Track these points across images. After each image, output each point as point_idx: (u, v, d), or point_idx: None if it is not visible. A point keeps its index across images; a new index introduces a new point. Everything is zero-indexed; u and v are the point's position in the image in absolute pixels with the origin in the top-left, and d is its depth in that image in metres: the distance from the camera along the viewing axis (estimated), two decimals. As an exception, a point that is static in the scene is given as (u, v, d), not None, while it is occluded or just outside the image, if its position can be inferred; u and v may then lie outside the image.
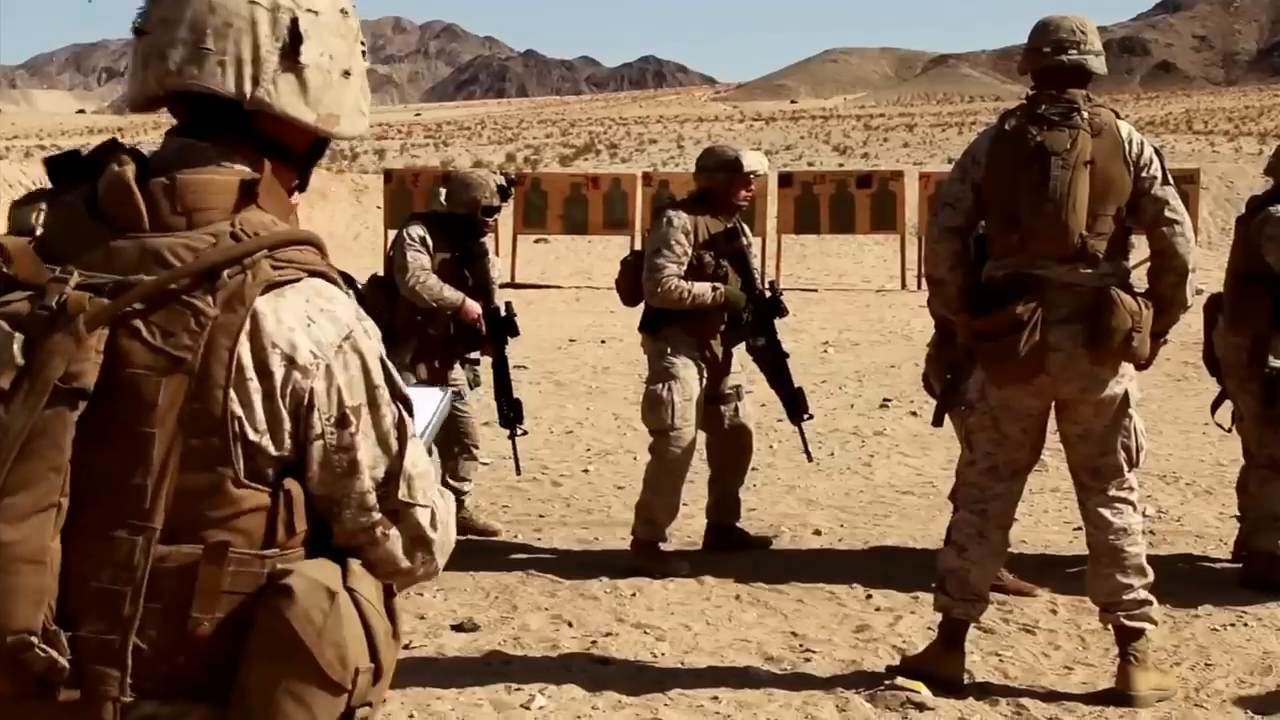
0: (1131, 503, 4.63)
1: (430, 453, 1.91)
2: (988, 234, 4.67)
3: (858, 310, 17.91)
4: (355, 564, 1.74)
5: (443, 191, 6.72)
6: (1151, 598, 4.60)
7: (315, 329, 1.73)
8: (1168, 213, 4.49)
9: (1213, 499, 7.51)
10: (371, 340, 1.80)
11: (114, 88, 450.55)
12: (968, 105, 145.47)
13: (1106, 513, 4.58)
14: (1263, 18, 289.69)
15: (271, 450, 1.70)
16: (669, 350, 6.14)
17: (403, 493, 1.78)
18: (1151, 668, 4.61)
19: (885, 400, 10.88)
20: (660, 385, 6.10)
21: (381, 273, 6.84)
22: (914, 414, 10.25)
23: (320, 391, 1.72)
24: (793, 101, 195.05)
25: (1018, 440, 4.64)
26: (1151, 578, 4.62)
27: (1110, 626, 4.66)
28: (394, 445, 1.78)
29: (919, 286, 21.17)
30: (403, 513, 1.79)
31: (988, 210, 4.60)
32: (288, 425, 1.71)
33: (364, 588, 1.72)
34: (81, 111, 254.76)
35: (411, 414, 1.83)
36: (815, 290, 20.39)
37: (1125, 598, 4.56)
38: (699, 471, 6.61)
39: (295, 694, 1.67)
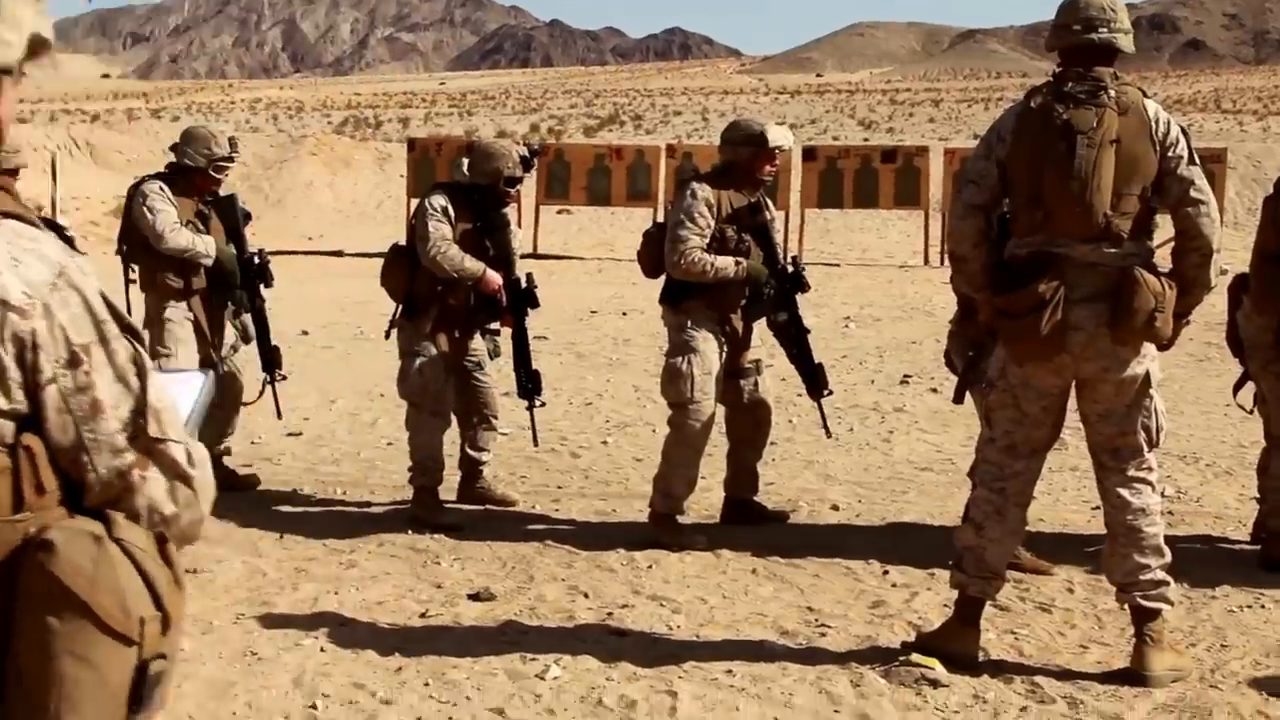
0: (1151, 483, 4.61)
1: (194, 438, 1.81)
2: (1012, 211, 4.65)
3: (880, 286, 17.86)
4: (118, 515, 1.65)
5: (465, 162, 6.70)
6: (1168, 579, 4.59)
7: (24, 269, 1.62)
8: (1193, 193, 4.45)
9: (1233, 480, 7.48)
10: (88, 276, 1.69)
11: (139, 52, 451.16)
12: (994, 81, 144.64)
13: (1125, 492, 4.57)
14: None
15: (2, 404, 1.61)
16: (689, 323, 6.13)
17: (153, 429, 1.69)
18: (1167, 648, 4.59)
19: (906, 376, 10.85)
20: (680, 358, 6.10)
21: (404, 242, 6.83)
22: (934, 390, 10.23)
23: (43, 332, 1.62)
24: (818, 75, 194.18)
25: (1037, 418, 4.63)
26: (1169, 558, 4.61)
27: (1126, 606, 4.66)
28: (133, 380, 1.69)
29: (942, 263, 21.09)
30: (156, 450, 1.70)
31: (1012, 187, 4.57)
32: (14, 374, 1.61)
33: (133, 535, 1.64)
34: (106, 76, 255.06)
35: (143, 345, 1.73)
36: (838, 265, 20.34)
37: (1142, 578, 4.55)
38: (717, 445, 6.61)
39: (78, 654, 1.57)
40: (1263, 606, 5.31)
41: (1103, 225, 4.39)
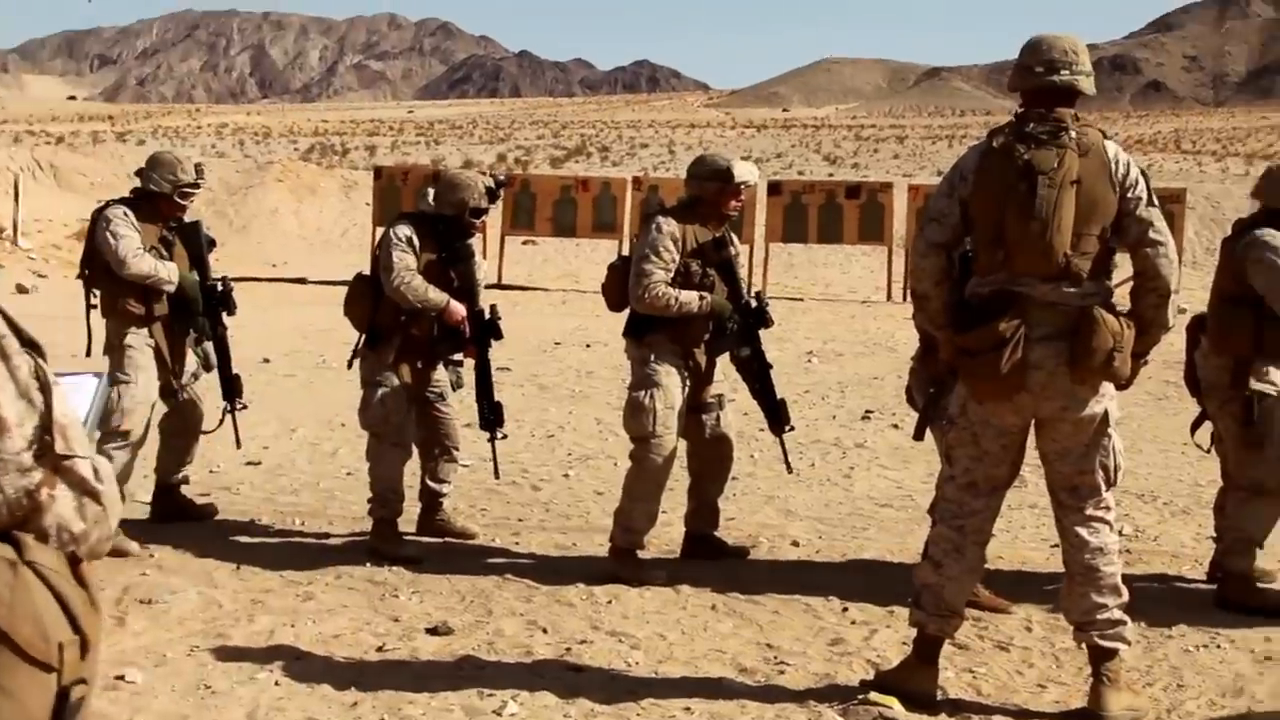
0: (1108, 522, 4.63)
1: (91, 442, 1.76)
2: (973, 250, 4.68)
3: (843, 321, 17.92)
4: (26, 537, 1.61)
5: (431, 192, 6.69)
6: (1126, 618, 4.61)
7: None
8: (1152, 234, 4.49)
9: (1190, 519, 7.52)
10: None
11: (106, 75, 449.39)
12: (959, 119, 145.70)
13: (1083, 531, 4.59)
14: (1253, 40, 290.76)
15: None
16: (653, 357, 6.12)
17: (60, 445, 1.65)
18: (1124, 688, 4.61)
19: (867, 412, 10.88)
20: (643, 392, 6.09)
21: (368, 271, 6.81)
22: (896, 426, 10.26)
23: None
24: (785, 110, 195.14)
25: (997, 456, 4.65)
26: (1126, 598, 4.63)
27: (1084, 645, 4.67)
28: (37, 396, 1.65)
29: (905, 299, 21.18)
30: (64, 467, 1.66)
31: (974, 226, 4.60)
32: None
33: (44, 558, 1.60)
34: (73, 98, 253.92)
35: (45, 359, 1.69)
36: (801, 300, 20.40)
37: (1099, 617, 4.57)
38: (678, 479, 6.60)
39: None
40: (1219, 646, 5.33)
41: (1063, 265, 4.42)
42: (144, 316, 6.64)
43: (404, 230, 6.55)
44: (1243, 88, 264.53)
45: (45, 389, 1.65)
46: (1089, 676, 4.65)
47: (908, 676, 4.67)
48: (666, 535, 6.67)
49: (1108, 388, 4.56)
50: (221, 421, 7.09)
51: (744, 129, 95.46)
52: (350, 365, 6.80)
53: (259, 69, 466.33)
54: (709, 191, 6.21)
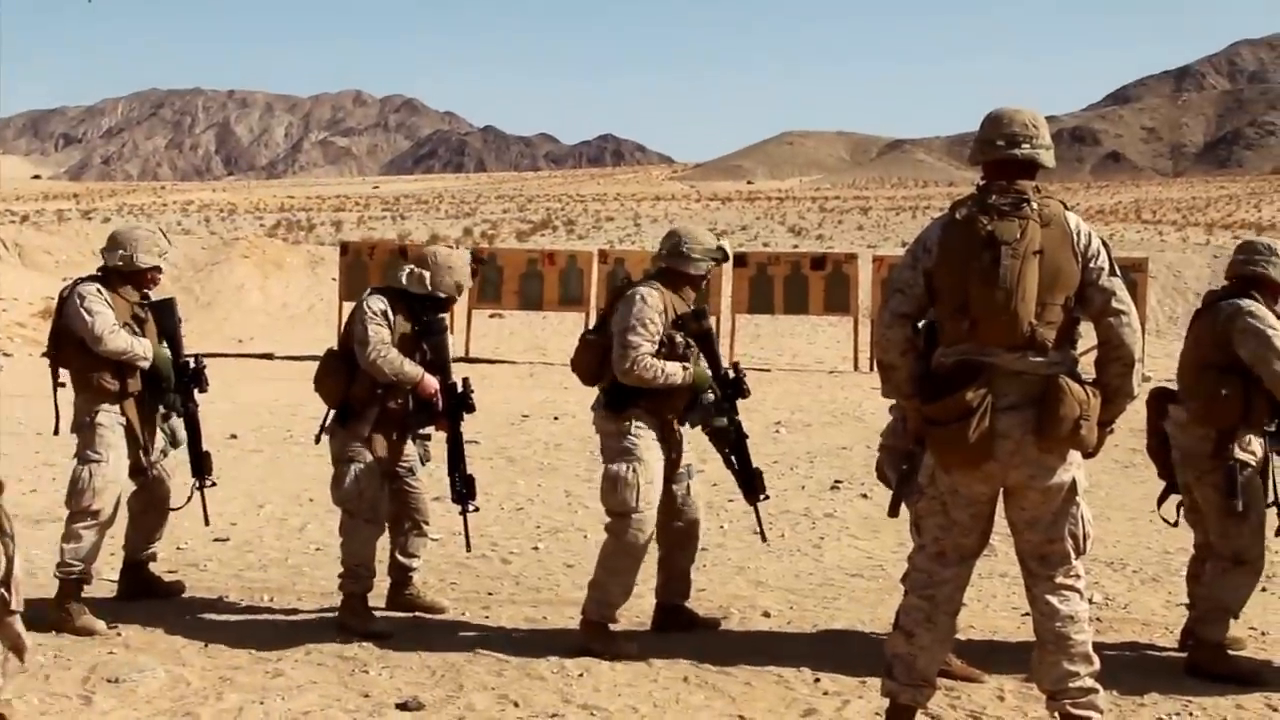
0: (1079, 590, 4.65)
1: None
2: (938, 320, 4.72)
3: (810, 391, 17.98)
4: None
5: (408, 269, 6.67)
6: (1098, 686, 4.62)
7: None
8: (1114, 303, 4.55)
9: (1159, 586, 7.55)
10: None
11: (70, 154, 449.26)
12: (921, 190, 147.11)
13: (1054, 600, 4.61)
14: (1209, 111, 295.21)
15: None
16: (632, 430, 6.12)
17: (14, 602, 1.60)
18: None
19: (836, 482, 10.89)
20: (623, 466, 6.07)
21: (337, 345, 6.79)
22: (865, 496, 10.27)
23: None
24: (749, 182, 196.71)
25: (966, 525, 4.67)
26: (1098, 666, 4.64)
27: (1057, 715, 4.67)
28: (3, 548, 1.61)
29: (871, 368, 21.27)
30: (6, 622, 1.61)
31: (938, 297, 4.65)
32: None
33: None
34: (37, 177, 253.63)
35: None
36: (768, 370, 20.47)
37: (1071, 685, 4.58)
38: (649, 551, 6.59)
39: None
40: (1191, 714, 5.34)
41: (1028, 334, 4.47)
42: (118, 393, 6.59)
43: (378, 304, 6.55)
44: (1200, 158, 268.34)
45: (9, 538, 1.64)
46: (1062, 745, 4.65)
47: None
48: (638, 607, 6.64)
49: (1075, 456, 4.60)
50: (190, 498, 7.04)
51: (709, 201, 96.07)
52: (318, 440, 6.77)
53: (224, 146, 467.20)
54: (701, 269, 6.28)
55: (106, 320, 6.49)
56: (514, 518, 9.28)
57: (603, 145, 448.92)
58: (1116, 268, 4.62)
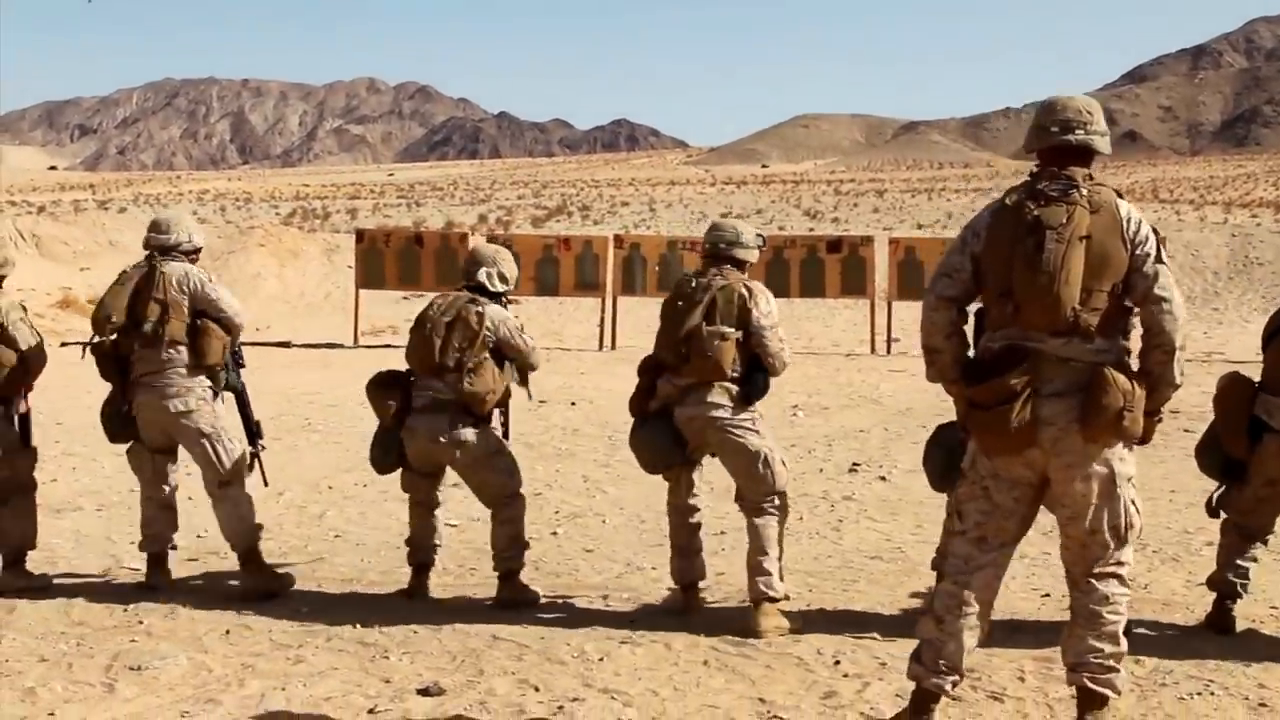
0: (1120, 576, 4.61)
1: None
2: (984, 305, 4.72)
3: (827, 374, 17.96)
4: None
5: (489, 271, 6.85)
6: (1120, 668, 4.60)
7: None
8: (1157, 290, 4.52)
9: (1179, 566, 7.53)
10: None
11: (86, 144, 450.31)
12: (937, 171, 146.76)
13: (1093, 581, 4.60)
14: (1226, 90, 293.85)
15: None
16: (759, 417, 6.37)
17: None
18: None
19: (854, 465, 10.89)
20: (768, 448, 6.32)
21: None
22: (883, 479, 10.27)
23: None
24: (764, 166, 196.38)
25: (1008, 509, 4.65)
26: (1124, 649, 4.62)
27: (1074, 688, 4.66)
28: None
29: (888, 351, 21.29)
30: None
31: (984, 281, 4.65)
32: None
33: None
34: (53, 168, 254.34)
35: None
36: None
37: (1093, 659, 4.57)
38: (667, 532, 6.62)
39: None
40: (1212, 693, 5.32)
41: (1071, 319, 4.45)
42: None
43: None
44: (1217, 136, 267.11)
45: None
46: (1076, 720, 4.65)
47: None
48: (656, 591, 6.67)
49: (1120, 447, 4.55)
50: (251, 465, 7.08)
51: (724, 185, 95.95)
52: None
53: (239, 135, 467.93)
54: (754, 258, 6.53)
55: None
56: (532, 503, 9.25)
57: (617, 130, 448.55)
58: (1164, 256, 4.60)
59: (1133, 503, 4.59)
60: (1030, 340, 4.51)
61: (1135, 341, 4.63)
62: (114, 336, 6.82)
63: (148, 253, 6.92)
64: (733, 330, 6.24)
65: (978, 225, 4.71)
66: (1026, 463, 4.55)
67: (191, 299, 6.76)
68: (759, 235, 6.62)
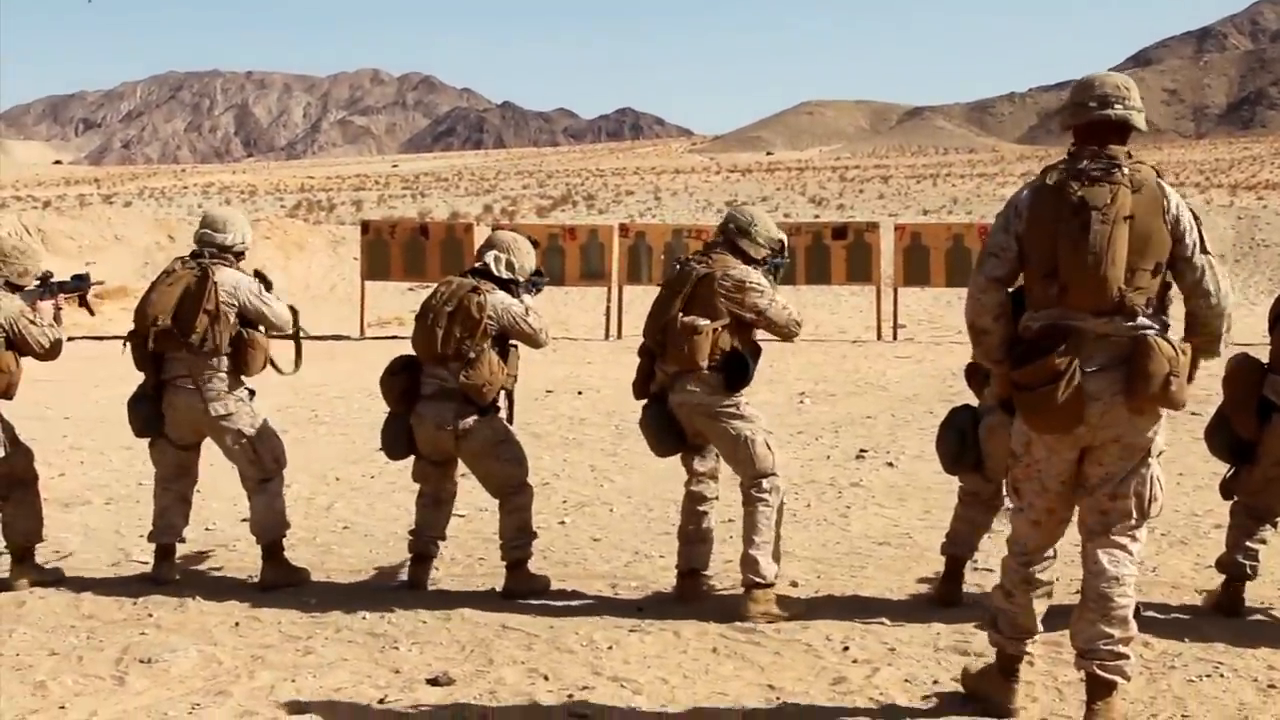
0: (1131, 552, 4.66)
1: None
2: (1026, 285, 4.74)
3: (834, 361, 17.95)
4: None
5: (498, 256, 6.78)
6: (1129, 653, 4.61)
7: None
8: (1205, 283, 4.59)
9: (1188, 549, 7.52)
10: None
11: (91, 138, 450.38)
12: (942, 157, 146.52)
13: (1104, 558, 4.63)
14: (1231, 72, 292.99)
15: None
16: (744, 401, 6.32)
17: None
18: (1116, 714, 4.60)
19: (861, 451, 10.88)
20: (756, 430, 6.28)
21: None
22: (890, 465, 10.27)
23: None
24: (769, 153, 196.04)
25: (1056, 491, 4.73)
26: (1134, 633, 4.63)
27: (1083, 673, 4.67)
28: None
29: (895, 337, 21.26)
30: None
31: (1028, 261, 4.67)
32: None
33: None
34: (58, 162, 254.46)
35: None
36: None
37: (1103, 646, 4.59)
38: (674, 521, 6.62)
39: None
40: (1222, 675, 5.32)
41: (1117, 299, 4.49)
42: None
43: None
44: (1223, 119, 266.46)
45: None
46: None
47: (990, 688, 4.88)
48: (665, 579, 6.68)
49: (1160, 419, 4.61)
50: (298, 357, 7.44)
51: (729, 173, 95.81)
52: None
53: (243, 128, 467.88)
54: (758, 255, 6.46)
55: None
56: (540, 492, 9.25)
57: (621, 119, 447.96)
58: (1207, 244, 4.63)
59: (1158, 479, 4.67)
60: (1072, 319, 4.55)
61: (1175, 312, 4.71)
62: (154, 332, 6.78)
63: (197, 250, 6.89)
64: (707, 322, 6.20)
65: (1020, 205, 4.71)
66: (1073, 441, 4.61)
67: (241, 310, 6.77)
68: (779, 240, 6.54)
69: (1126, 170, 4.54)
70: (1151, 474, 4.64)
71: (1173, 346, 4.50)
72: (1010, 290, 4.79)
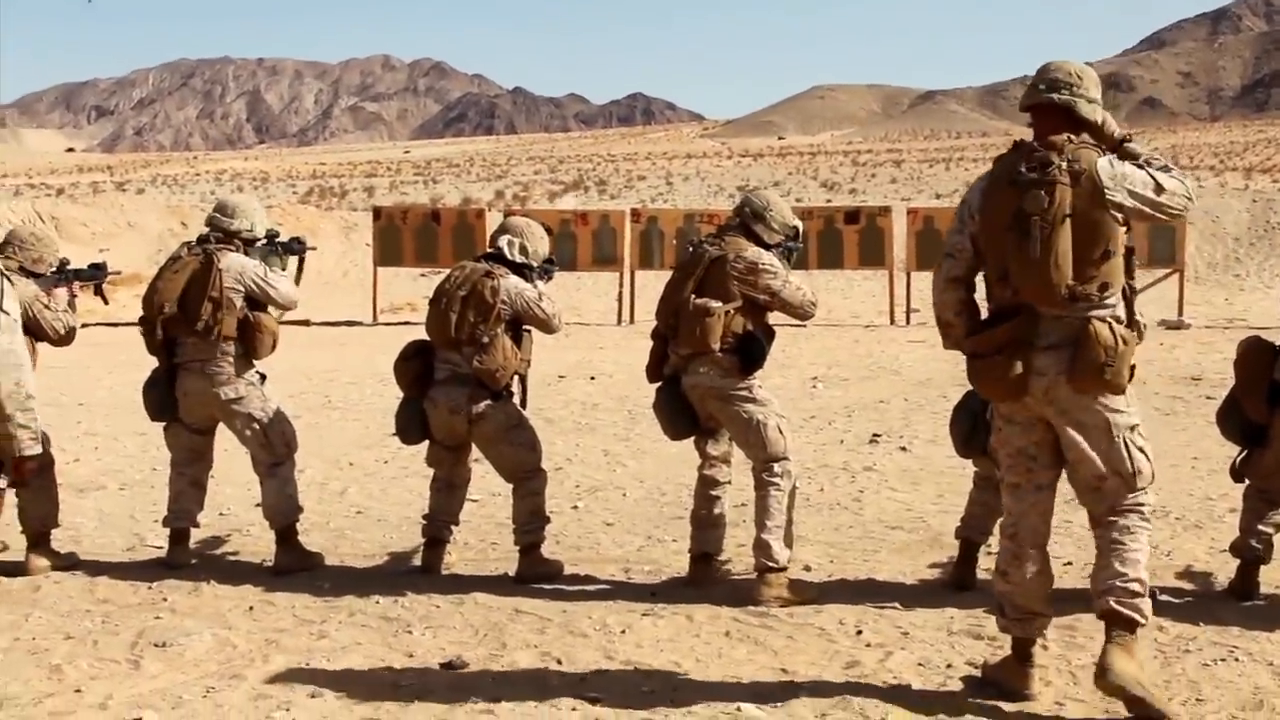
0: (1140, 512, 4.72)
1: None
2: (985, 281, 4.85)
3: (846, 345, 17.93)
4: None
5: (512, 241, 6.75)
6: (1145, 592, 4.64)
7: None
8: (1162, 200, 4.66)
9: (1202, 533, 7.50)
10: None
11: (103, 126, 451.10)
12: (954, 141, 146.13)
13: (1114, 517, 4.71)
14: (1246, 54, 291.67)
15: None
16: (757, 384, 6.29)
17: None
18: (1138, 659, 4.62)
19: (875, 435, 10.87)
20: (769, 414, 6.26)
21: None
22: (904, 449, 10.26)
23: None
24: (780, 138, 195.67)
25: (1030, 453, 4.79)
26: (1147, 578, 4.66)
27: (1103, 615, 4.65)
28: None
29: (908, 321, 21.24)
30: None
31: (983, 261, 4.81)
32: None
33: None
34: (71, 150, 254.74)
35: None
36: (804, 326, 20.40)
37: (1118, 584, 4.62)
38: (687, 505, 6.61)
39: None
40: (1237, 659, 5.31)
41: (1067, 296, 4.58)
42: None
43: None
44: (1237, 102, 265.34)
45: None
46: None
47: (1008, 675, 4.88)
48: (678, 564, 6.67)
49: (1117, 397, 4.65)
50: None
51: (740, 158, 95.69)
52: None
53: (255, 115, 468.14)
54: (773, 240, 6.42)
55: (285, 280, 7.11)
56: (553, 477, 9.24)
57: (632, 104, 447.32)
58: (1160, 178, 4.66)
59: (1140, 450, 4.72)
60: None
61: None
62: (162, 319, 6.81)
63: (204, 235, 6.92)
64: (719, 304, 6.19)
65: (972, 205, 4.85)
66: (1026, 410, 4.72)
67: (247, 294, 6.78)
68: (794, 226, 6.52)
69: (1064, 164, 4.58)
70: (1129, 448, 4.68)
71: (1113, 333, 4.57)
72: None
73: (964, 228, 4.83)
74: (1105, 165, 4.62)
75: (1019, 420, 4.77)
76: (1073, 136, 4.66)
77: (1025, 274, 4.58)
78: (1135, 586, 4.63)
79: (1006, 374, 4.63)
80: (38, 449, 4.91)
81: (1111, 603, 4.62)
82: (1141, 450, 4.72)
